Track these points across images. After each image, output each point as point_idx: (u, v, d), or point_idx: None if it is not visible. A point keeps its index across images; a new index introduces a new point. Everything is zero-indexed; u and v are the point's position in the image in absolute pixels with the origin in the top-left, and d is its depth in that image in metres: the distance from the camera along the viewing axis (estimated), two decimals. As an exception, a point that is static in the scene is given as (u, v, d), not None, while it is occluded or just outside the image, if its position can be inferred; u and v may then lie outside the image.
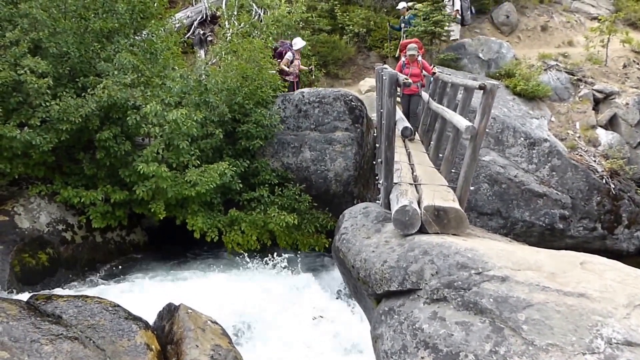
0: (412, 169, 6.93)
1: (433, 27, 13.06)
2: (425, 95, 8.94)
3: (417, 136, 9.31)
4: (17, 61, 8.01)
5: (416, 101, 9.43)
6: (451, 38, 14.04)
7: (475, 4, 15.72)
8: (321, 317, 7.48)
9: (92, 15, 9.32)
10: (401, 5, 13.92)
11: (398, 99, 10.03)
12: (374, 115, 10.84)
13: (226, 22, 13.87)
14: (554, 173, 10.94)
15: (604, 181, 10.95)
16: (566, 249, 5.16)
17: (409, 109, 9.35)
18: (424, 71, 9.29)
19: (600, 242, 10.96)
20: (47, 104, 8.07)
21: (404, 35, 13.61)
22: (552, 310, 3.42)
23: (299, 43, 12.14)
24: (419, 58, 9.18)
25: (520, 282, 3.75)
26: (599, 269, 4.06)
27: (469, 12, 14.51)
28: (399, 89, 8.22)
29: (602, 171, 11.06)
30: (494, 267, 3.97)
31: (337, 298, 8.42)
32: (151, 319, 6.39)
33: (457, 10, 13.87)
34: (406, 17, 13.77)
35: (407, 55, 9.02)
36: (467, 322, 3.68)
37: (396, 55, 13.57)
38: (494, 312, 3.61)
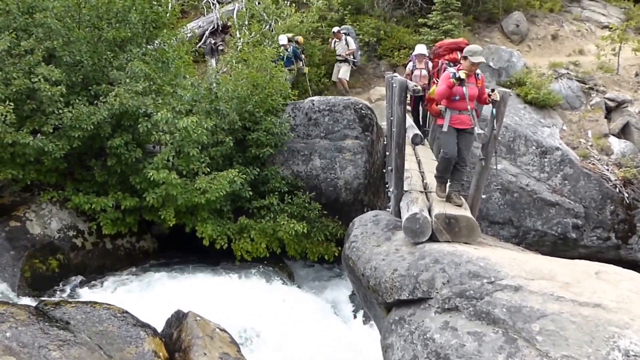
0: (422, 176, 6.89)
1: (443, 37, 13.05)
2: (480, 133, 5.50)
3: (463, 203, 5.58)
4: (32, 69, 8.13)
5: (468, 141, 5.71)
6: (341, 77, 13.30)
7: (485, 13, 15.74)
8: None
9: (106, 25, 9.43)
10: (282, 40, 12.45)
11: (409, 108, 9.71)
12: (384, 124, 10.83)
13: (237, 32, 13.97)
14: (566, 182, 10.83)
15: (617, 190, 10.81)
16: (579, 258, 5.08)
17: (458, 151, 5.56)
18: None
19: (614, 251, 10.81)
20: (60, 111, 8.17)
21: (288, 72, 12.08)
22: (567, 320, 3.36)
23: (418, 49, 9.66)
24: (478, 70, 5.60)
25: (534, 291, 3.70)
26: (615, 278, 3.99)
27: (359, 53, 13.72)
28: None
29: (615, 180, 10.93)
30: (507, 276, 3.92)
31: (346, 307, 8.36)
32: (160, 326, 6.38)
33: (353, 50, 13.19)
34: (289, 50, 12.48)
35: (472, 63, 5.34)
36: (479, 333, 3.62)
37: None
38: (507, 322, 3.55)
